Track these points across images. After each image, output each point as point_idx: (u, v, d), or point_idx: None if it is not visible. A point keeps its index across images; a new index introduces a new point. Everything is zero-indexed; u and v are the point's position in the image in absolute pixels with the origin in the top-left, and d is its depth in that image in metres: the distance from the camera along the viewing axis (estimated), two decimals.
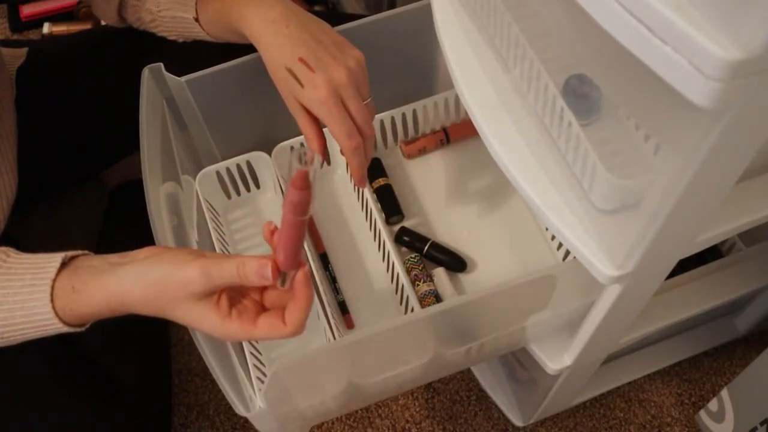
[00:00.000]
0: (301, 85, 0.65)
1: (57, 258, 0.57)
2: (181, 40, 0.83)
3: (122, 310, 0.55)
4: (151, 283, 0.52)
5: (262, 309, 0.55)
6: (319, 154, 0.59)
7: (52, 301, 0.56)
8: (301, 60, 0.65)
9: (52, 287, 0.56)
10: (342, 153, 0.71)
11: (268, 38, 0.68)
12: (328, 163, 0.92)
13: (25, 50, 0.94)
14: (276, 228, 0.53)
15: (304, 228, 0.51)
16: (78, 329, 0.58)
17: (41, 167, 0.89)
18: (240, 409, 0.60)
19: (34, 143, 0.89)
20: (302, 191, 0.47)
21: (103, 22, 0.90)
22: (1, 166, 0.82)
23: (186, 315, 0.53)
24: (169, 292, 0.52)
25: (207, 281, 0.51)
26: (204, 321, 0.53)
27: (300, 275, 0.53)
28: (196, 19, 0.77)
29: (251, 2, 0.70)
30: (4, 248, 0.59)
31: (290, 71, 0.66)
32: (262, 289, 0.56)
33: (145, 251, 0.55)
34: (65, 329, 0.57)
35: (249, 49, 0.73)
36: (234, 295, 0.54)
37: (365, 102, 0.68)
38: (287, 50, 0.66)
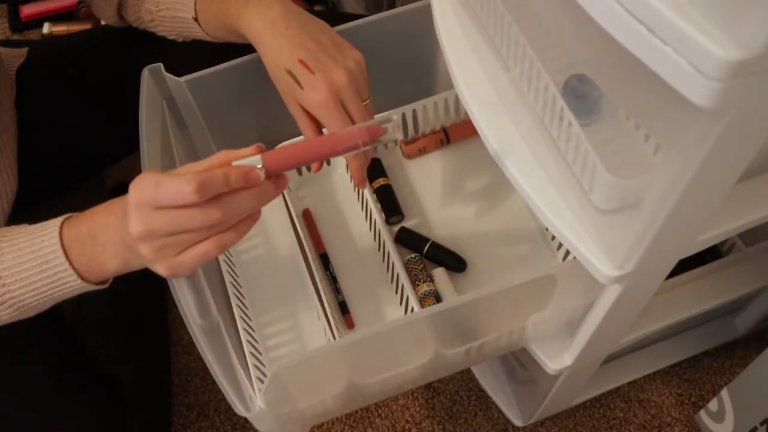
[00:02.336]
0: (301, 87, 0.65)
1: (62, 217, 0.59)
2: (180, 40, 0.83)
3: (116, 204, 0.56)
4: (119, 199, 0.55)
5: None
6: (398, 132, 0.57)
7: (60, 232, 0.57)
8: (301, 62, 0.65)
9: (63, 222, 0.58)
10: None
11: (268, 39, 0.68)
12: (328, 163, 0.92)
13: (25, 50, 0.94)
14: (262, 149, 0.54)
15: (321, 153, 0.53)
16: (82, 282, 0.58)
17: (41, 167, 0.89)
18: (240, 410, 0.60)
19: (34, 143, 0.89)
20: (368, 137, 0.52)
21: (103, 22, 0.90)
22: (1, 166, 0.82)
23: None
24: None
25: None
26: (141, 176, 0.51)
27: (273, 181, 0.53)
28: (195, 19, 0.77)
29: (251, 2, 0.70)
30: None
31: (290, 73, 0.66)
32: None
33: None
34: (68, 271, 0.57)
35: (249, 49, 0.73)
36: None
37: (365, 103, 0.68)
38: (287, 52, 0.66)
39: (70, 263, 0.57)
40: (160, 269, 0.54)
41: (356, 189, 0.89)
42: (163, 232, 0.51)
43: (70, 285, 0.59)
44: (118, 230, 0.55)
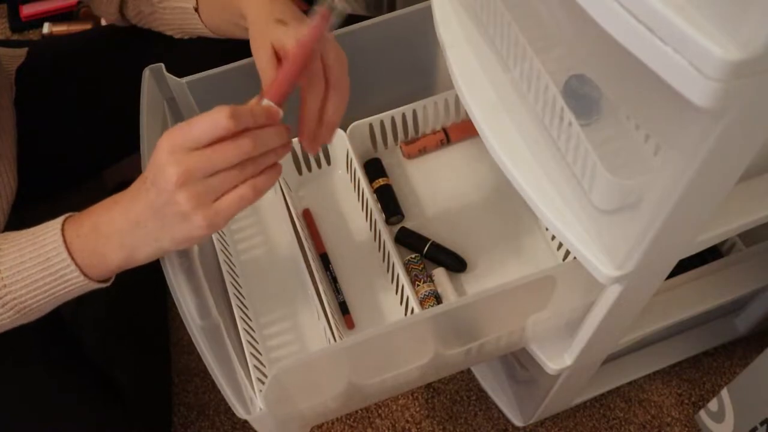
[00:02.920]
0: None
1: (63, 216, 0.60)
2: (179, 36, 0.83)
3: (121, 197, 0.56)
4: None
5: None
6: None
7: (63, 229, 0.57)
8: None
9: (65, 220, 0.58)
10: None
11: (261, 2, 0.67)
12: (328, 162, 0.92)
13: (25, 50, 0.94)
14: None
15: (305, 62, 0.58)
16: (85, 280, 0.58)
17: (41, 167, 0.89)
18: (240, 412, 0.60)
19: (34, 143, 0.89)
20: (319, 25, 0.57)
21: (103, 22, 0.90)
22: (1, 166, 0.82)
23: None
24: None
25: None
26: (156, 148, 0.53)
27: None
28: (196, 9, 0.77)
29: None
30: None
31: (280, 21, 0.64)
32: None
33: None
34: (71, 267, 0.57)
35: (249, 52, 0.73)
36: None
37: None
38: (279, 8, 0.66)
39: (73, 259, 0.57)
40: (198, 220, 0.53)
41: (356, 189, 0.89)
42: (201, 172, 0.51)
43: (73, 282, 0.59)
44: (123, 216, 0.55)
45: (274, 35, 0.63)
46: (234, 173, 0.53)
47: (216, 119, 0.51)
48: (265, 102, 0.56)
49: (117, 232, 0.56)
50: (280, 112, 0.56)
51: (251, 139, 0.52)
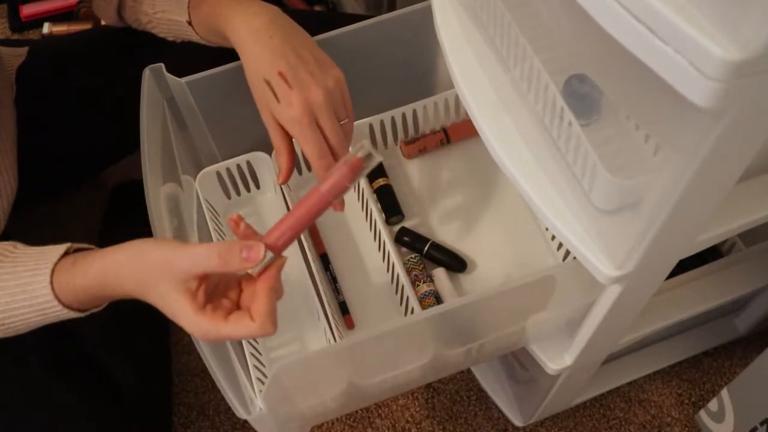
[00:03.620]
0: (277, 99, 0.65)
1: (63, 247, 0.59)
2: (179, 41, 0.84)
3: (115, 283, 0.56)
4: (146, 258, 0.54)
5: (238, 309, 0.55)
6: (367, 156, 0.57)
7: (52, 282, 0.58)
8: (280, 74, 0.65)
9: (53, 269, 0.58)
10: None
11: (250, 47, 0.67)
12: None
13: (25, 50, 0.94)
14: (240, 219, 0.55)
15: (319, 213, 0.54)
16: (76, 313, 0.59)
17: (42, 167, 0.89)
18: (240, 413, 0.60)
19: (34, 143, 0.89)
20: (349, 176, 0.52)
21: (103, 22, 0.90)
22: (1, 165, 0.82)
23: (164, 295, 0.53)
24: (156, 269, 0.53)
25: (188, 263, 0.53)
26: (178, 309, 0.53)
27: (273, 268, 0.54)
28: (189, 23, 0.77)
29: (239, 9, 0.69)
30: (12, 242, 0.61)
31: (268, 83, 0.65)
32: (241, 289, 0.56)
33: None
34: (63, 311, 0.59)
35: None
36: (214, 291, 0.55)
37: (342, 122, 0.67)
38: (267, 61, 0.66)
39: (69, 308, 0.59)
40: (200, 338, 0.57)
41: (356, 189, 0.89)
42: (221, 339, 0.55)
43: (69, 316, 0.60)
44: (129, 289, 0.57)
45: (271, 105, 0.66)
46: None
47: (250, 334, 0.53)
48: (269, 255, 0.54)
49: (120, 295, 0.58)
50: (281, 266, 0.55)
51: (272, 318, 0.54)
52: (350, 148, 0.54)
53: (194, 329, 0.53)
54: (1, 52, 0.90)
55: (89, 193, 1.13)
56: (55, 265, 0.58)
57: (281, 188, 0.84)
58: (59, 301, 0.58)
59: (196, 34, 0.78)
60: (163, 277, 0.53)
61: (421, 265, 0.83)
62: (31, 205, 0.86)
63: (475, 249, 0.86)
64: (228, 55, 0.77)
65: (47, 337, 0.85)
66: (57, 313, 0.59)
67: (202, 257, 0.52)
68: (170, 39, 0.83)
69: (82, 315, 0.60)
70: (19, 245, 0.62)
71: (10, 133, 0.84)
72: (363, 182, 0.84)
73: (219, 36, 0.74)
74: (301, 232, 0.55)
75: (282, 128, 0.67)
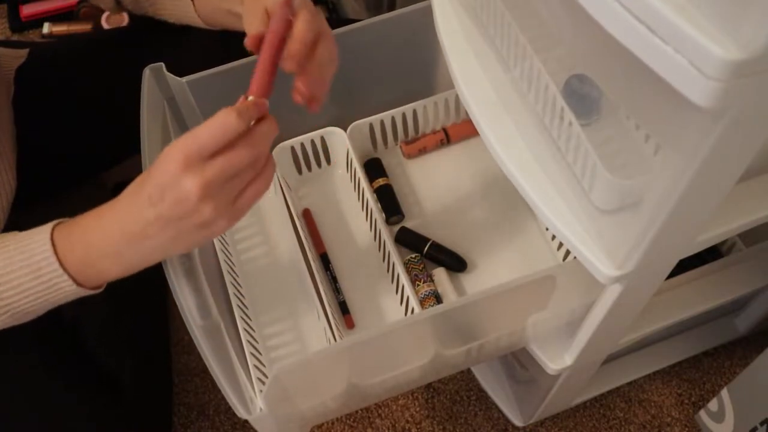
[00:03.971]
0: None
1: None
2: (172, 21, 0.83)
3: (111, 208, 0.55)
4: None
5: None
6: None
7: (52, 237, 0.56)
8: None
9: (53, 229, 0.57)
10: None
11: None
12: (328, 162, 0.92)
13: (26, 51, 0.94)
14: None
15: (279, 48, 0.57)
16: (73, 285, 0.57)
17: (42, 167, 0.89)
18: (241, 413, 0.60)
19: (35, 143, 0.89)
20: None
21: (103, 21, 0.90)
22: (0, 166, 0.82)
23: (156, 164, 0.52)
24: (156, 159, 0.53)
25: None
26: (162, 156, 0.52)
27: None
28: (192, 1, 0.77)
29: None
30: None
31: None
32: None
33: None
34: (62, 277, 0.56)
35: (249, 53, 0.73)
36: None
37: None
38: None
39: (65, 270, 0.57)
40: (222, 224, 0.54)
41: (356, 189, 0.89)
42: (220, 179, 0.51)
43: (65, 290, 0.58)
44: (120, 232, 0.55)
45: (268, 1, 0.63)
46: (249, 172, 0.53)
47: (226, 123, 0.51)
48: (251, 99, 0.55)
49: (114, 248, 0.55)
50: (266, 103, 0.56)
51: (261, 139, 0.53)
52: None
53: (168, 150, 0.51)
54: (0, 52, 0.90)
55: (89, 192, 1.13)
56: (56, 225, 0.57)
57: (281, 188, 0.84)
58: (57, 258, 0.56)
59: (195, 11, 0.77)
60: (161, 159, 0.52)
61: (422, 265, 0.83)
62: (31, 205, 0.86)
63: (475, 249, 0.86)
64: (230, 55, 0.77)
65: (47, 337, 0.86)
66: (55, 280, 0.57)
67: (201, 130, 0.51)
68: (171, 21, 0.83)
69: (80, 289, 0.58)
70: (19, 233, 0.60)
71: (8, 133, 0.84)
72: (363, 182, 0.84)
73: (220, 9, 0.72)
74: (271, 75, 0.57)
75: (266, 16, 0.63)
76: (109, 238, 0.55)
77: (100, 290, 0.60)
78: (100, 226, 0.56)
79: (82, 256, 0.57)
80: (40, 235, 0.57)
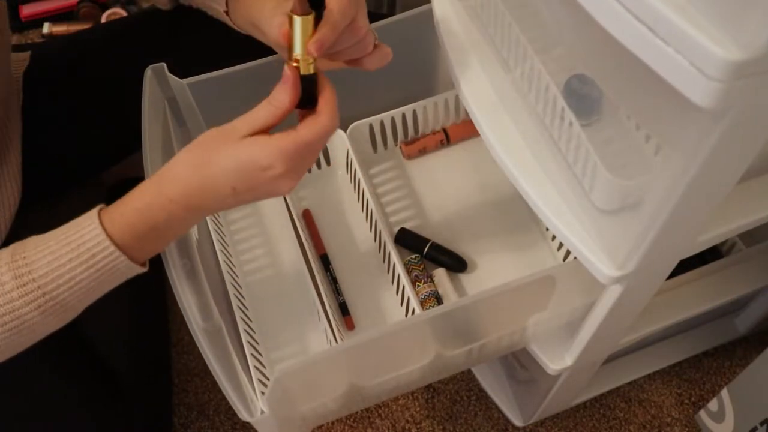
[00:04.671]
0: None
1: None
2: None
3: (172, 185, 0.55)
4: (200, 141, 0.56)
5: None
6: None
7: (100, 217, 0.56)
8: None
9: (102, 208, 0.57)
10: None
11: None
12: (328, 163, 0.92)
13: (28, 54, 0.93)
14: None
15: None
16: (128, 261, 0.56)
17: (44, 171, 0.89)
18: (243, 415, 0.60)
19: (37, 147, 0.89)
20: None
21: (104, 20, 0.90)
22: (6, 175, 0.82)
23: (233, 153, 0.54)
24: (214, 143, 0.55)
25: (247, 125, 0.55)
26: (254, 149, 0.54)
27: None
28: (227, 12, 0.77)
29: None
30: None
31: None
32: None
33: None
34: (114, 254, 0.55)
35: (253, 56, 0.73)
36: None
37: None
38: None
39: (123, 251, 0.56)
40: (292, 185, 0.57)
41: (356, 189, 0.89)
42: (306, 164, 0.57)
43: (119, 270, 0.57)
44: (185, 220, 0.56)
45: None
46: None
47: (327, 130, 0.55)
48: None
49: (172, 230, 0.57)
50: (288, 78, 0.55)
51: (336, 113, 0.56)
52: None
53: (273, 153, 0.53)
54: (9, 60, 0.89)
55: (88, 192, 1.12)
56: (103, 208, 0.57)
57: None
58: (108, 235, 0.54)
59: (233, 23, 0.77)
60: (224, 142, 0.54)
61: (422, 266, 0.83)
62: (32, 207, 0.86)
63: (475, 249, 0.86)
64: (232, 58, 0.77)
65: (48, 337, 0.86)
66: (108, 258, 0.55)
67: (259, 113, 0.54)
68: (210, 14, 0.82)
69: (136, 266, 0.57)
70: None
71: (16, 142, 0.84)
72: (363, 182, 0.84)
73: (251, 24, 0.73)
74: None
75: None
76: (178, 225, 0.57)
77: (145, 269, 0.59)
78: (154, 197, 0.56)
79: (146, 240, 0.57)
80: (88, 216, 0.57)
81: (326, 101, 0.56)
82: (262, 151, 0.53)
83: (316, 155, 0.58)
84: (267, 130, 0.55)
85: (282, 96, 0.54)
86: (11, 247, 0.57)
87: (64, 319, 0.60)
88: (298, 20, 0.53)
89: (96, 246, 0.55)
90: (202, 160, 0.55)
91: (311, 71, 0.55)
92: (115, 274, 0.57)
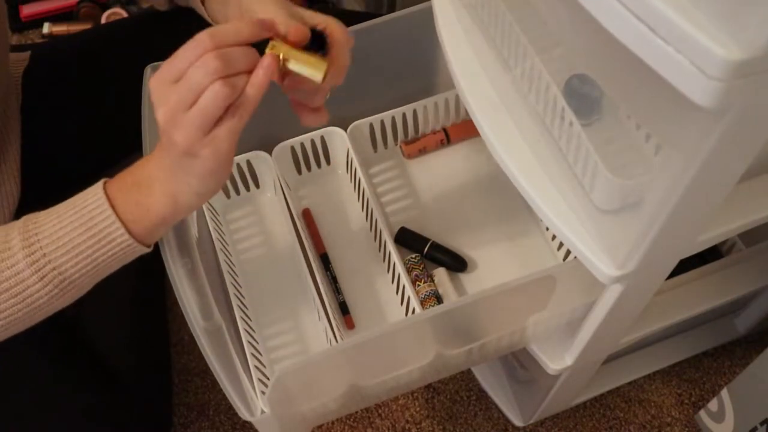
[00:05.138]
0: None
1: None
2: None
3: (155, 154, 0.56)
4: None
5: None
6: None
7: (105, 190, 0.57)
8: None
9: (104, 183, 0.58)
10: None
11: None
12: (328, 163, 0.92)
13: (27, 54, 0.93)
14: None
15: None
16: (130, 238, 0.57)
17: (44, 171, 0.89)
18: (244, 414, 0.60)
19: (37, 147, 0.89)
20: None
21: (103, 21, 0.90)
22: (5, 175, 0.82)
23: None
24: None
25: None
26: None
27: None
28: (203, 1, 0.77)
29: None
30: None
31: None
32: None
33: None
34: (117, 224, 0.56)
35: None
36: None
37: None
38: None
39: (116, 213, 0.56)
40: (205, 153, 0.53)
41: (356, 189, 0.89)
42: (181, 102, 0.51)
43: (117, 243, 0.57)
44: (157, 167, 0.56)
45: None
46: (216, 94, 0.51)
47: (197, 40, 0.51)
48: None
49: (157, 181, 0.56)
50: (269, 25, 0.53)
51: (215, 55, 0.50)
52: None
53: (152, 77, 0.52)
54: (8, 60, 0.89)
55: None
56: (108, 181, 0.58)
57: (281, 188, 0.84)
58: (113, 209, 0.56)
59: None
60: None
61: (422, 265, 0.83)
62: (31, 208, 0.86)
63: (475, 249, 0.86)
64: None
65: (48, 337, 0.86)
66: (111, 233, 0.57)
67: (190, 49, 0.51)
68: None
69: (135, 244, 0.58)
70: None
71: (16, 142, 0.84)
72: (363, 182, 0.84)
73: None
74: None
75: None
76: (152, 174, 0.57)
77: (149, 250, 0.60)
78: (145, 165, 0.58)
79: (131, 194, 0.57)
80: (92, 189, 0.58)
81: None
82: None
83: (186, 86, 0.51)
84: None
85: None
86: (23, 219, 0.59)
87: (67, 294, 0.60)
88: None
89: (96, 209, 0.57)
90: None
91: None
92: (112, 243, 0.57)
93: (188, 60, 0.51)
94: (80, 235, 0.57)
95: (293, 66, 0.55)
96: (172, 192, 0.56)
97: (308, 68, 0.55)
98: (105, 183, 0.58)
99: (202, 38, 0.51)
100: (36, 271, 0.57)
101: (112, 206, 0.57)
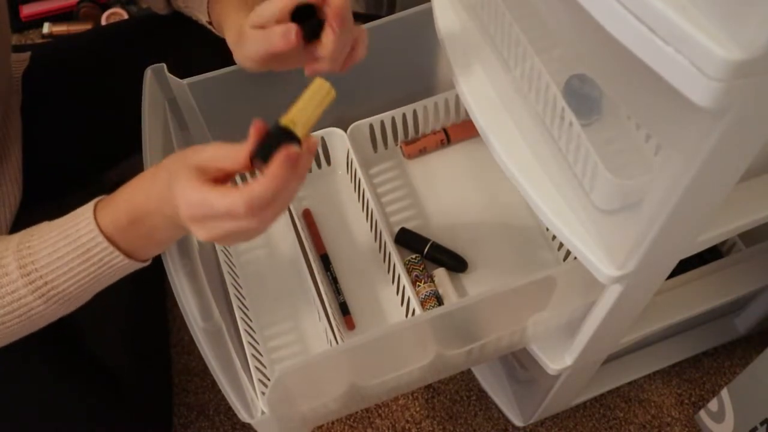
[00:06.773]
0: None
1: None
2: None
3: (150, 186, 0.57)
4: (178, 152, 0.56)
5: None
6: None
7: (95, 215, 0.57)
8: None
9: (97, 203, 0.59)
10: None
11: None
12: (328, 163, 0.92)
13: (28, 55, 0.93)
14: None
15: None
16: (123, 257, 0.58)
17: (45, 172, 0.89)
18: (244, 416, 0.60)
19: (38, 148, 0.89)
20: None
21: (103, 22, 0.90)
22: (6, 175, 0.82)
23: (176, 174, 0.53)
24: (183, 154, 0.54)
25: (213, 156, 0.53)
26: (177, 184, 0.53)
27: (283, 153, 0.51)
28: (210, 23, 0.78)
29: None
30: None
31: None
32: None
33: None
34: (104, 243, 0.57)
35: None
36: None
37: None
38: None
39: (116, 246, 0.58)
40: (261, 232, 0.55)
41: (357, 189, 0.89)
42: (226, 235, 0.53)
43: (117, 265, 0.59)
44: (164, 212, 0.56)
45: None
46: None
47: (234, 211, 0.51)
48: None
49: (161, 224, 0.57)
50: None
51: (268, 212, 0.53)
52: None
53: (181, 199, 0.52)
54: (10, 61, 0.89)
55: (88, 194, 1.12)
56: (99, 201, 0.59)
57: None
58: (101, 230, 0.57)
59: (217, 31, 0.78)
60: (183, 161, 0.53)
61: (422, 266, 0.83)
62: (32, 209, 0.86)
63: (475, 249, 0.86)
64: (229, 57, 0.77)
65: (49, 338, 0.86)
66: (102, 255, 0.57)
67: (228, 151, 0.52)
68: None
69: (134, 263, 0.59)
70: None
71: (16, 142, 0.84)
72: (363, 182, 0.84)
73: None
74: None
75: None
76: (154, 217, 0.57)
77: (147, 263, 0.61)
78: (146, 201, 0.57)
79: (130, 232, 0.58)
80: (81, 217, 0.58)
81: (256, 188, 0.51)
82: (181, 187, 0.52)
83: (229, 229, 0.53)
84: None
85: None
86: (19, 234, 0.60)
87: (69, 308, 0.62)
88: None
89: (90, 241, 0.57)
90: (172, 172, 0.54)
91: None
92: (111, 267, 0.59)
93: (228, 217, 0.52)
94: (80, 265, 0.58)
95: (312, 118, 0.54)
96: (177, 232, 0.58)
97: (320, 104, 0.55)
98: (95, 212, 0.58)
99: (241, 214, 0.51)
100: (39, 296, 0.59)
101: (109, 240, 0.57)
